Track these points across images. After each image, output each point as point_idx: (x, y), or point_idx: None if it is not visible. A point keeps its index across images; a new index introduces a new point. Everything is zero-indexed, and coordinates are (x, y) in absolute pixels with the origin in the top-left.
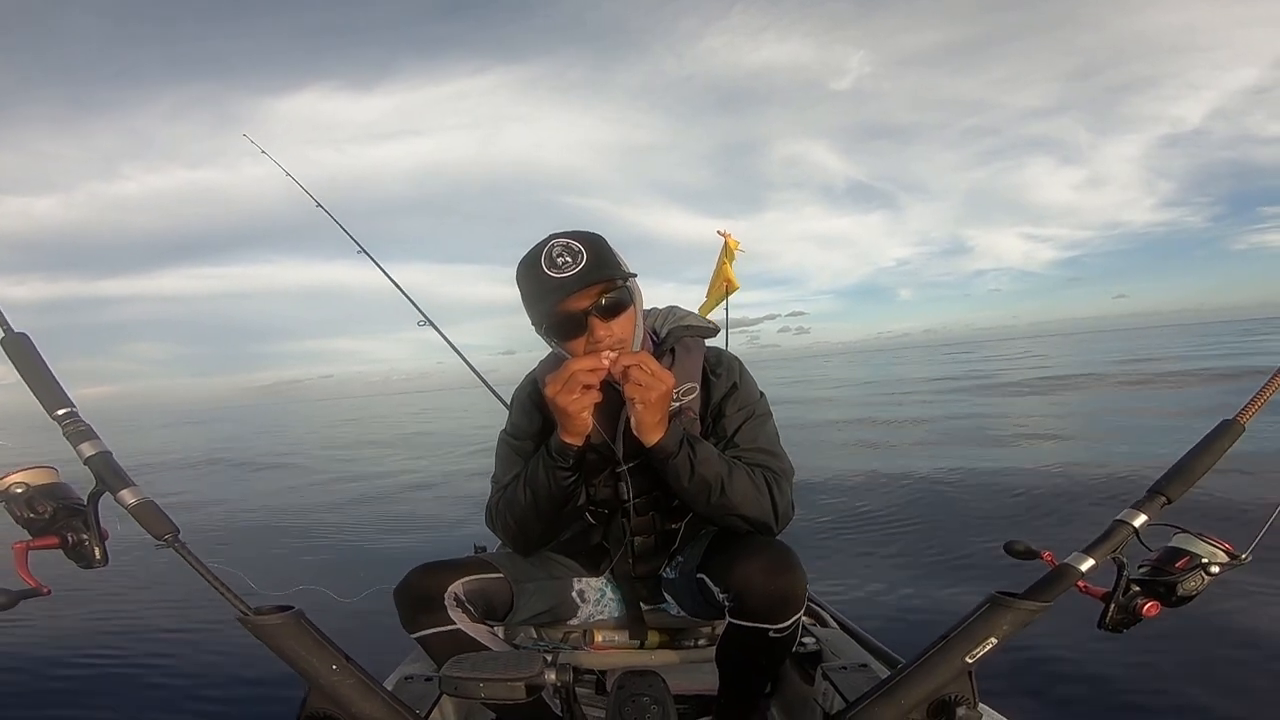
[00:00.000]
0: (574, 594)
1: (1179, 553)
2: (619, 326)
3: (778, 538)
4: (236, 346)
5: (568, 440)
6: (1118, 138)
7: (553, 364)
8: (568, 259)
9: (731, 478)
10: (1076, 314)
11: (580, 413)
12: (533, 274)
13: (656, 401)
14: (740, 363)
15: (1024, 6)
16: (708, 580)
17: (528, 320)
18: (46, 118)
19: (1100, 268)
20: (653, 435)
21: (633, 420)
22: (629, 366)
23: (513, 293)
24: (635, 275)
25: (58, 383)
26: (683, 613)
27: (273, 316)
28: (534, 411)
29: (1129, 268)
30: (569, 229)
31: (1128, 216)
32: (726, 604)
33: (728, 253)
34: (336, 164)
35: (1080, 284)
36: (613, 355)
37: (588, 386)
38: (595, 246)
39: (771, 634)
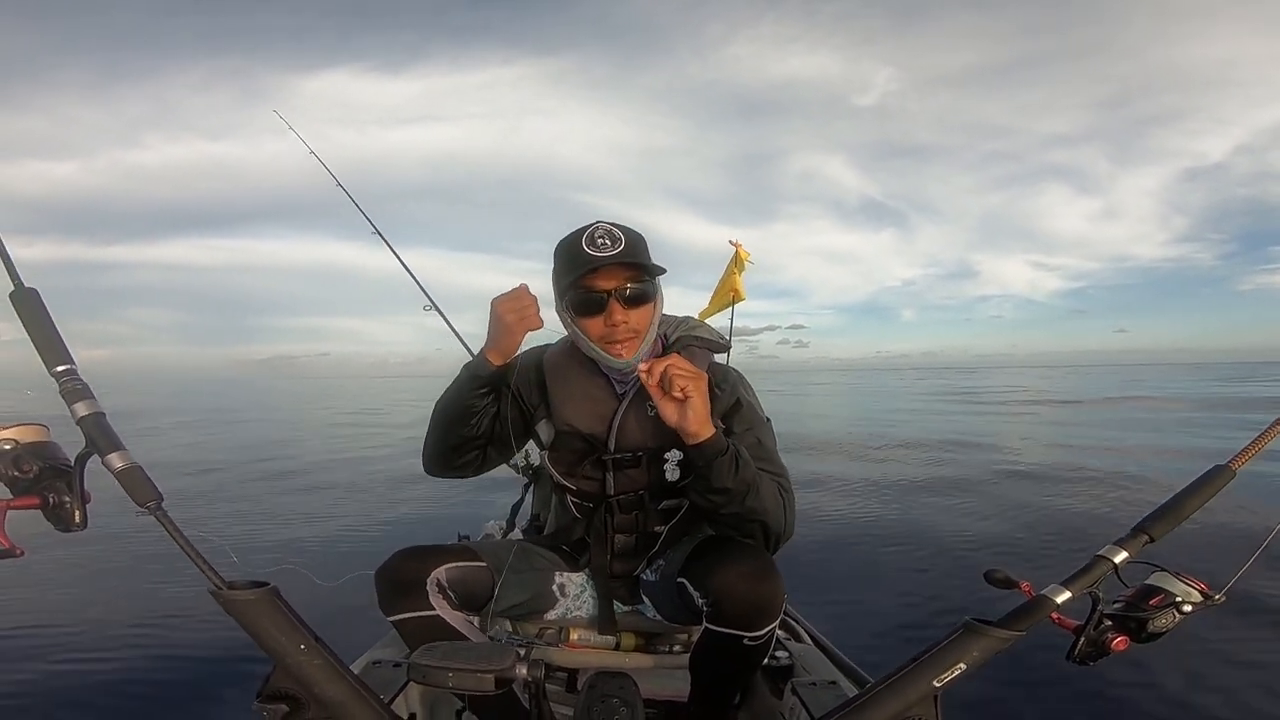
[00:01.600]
0: (554, 587)
1: (1154, 590)
2: (636, 317)
3: (758, 549)
4: (236, 318)
5: (492, 358)
6: (1138, 169)
7: (557, 353)
8: (607, 242)
9: (761, 480)
10: (1075, 347)
11: (520, 325)
12: (571, 248)
13: (706, 393)
14: (745, 380)
15: (1061, 32)
16: (688, 585)
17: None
18: (79, 83)
19: (1104, 301)
20: (708, 428)
21: (688, 416)
22: (668, 366)
23: (520, 284)
24: (664, 271)
25: (61, 340)
26: (659, 617)
27: (275, 291)
28: (530, 386)
29: (1133, 302)
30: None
31: (1137, 250)
32: (705, 609)
33: (738, 263)
34: (358, 145)
35: (1082, 316)
36: (643, 366)
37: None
38: (634, 239)
39: (746, 641)
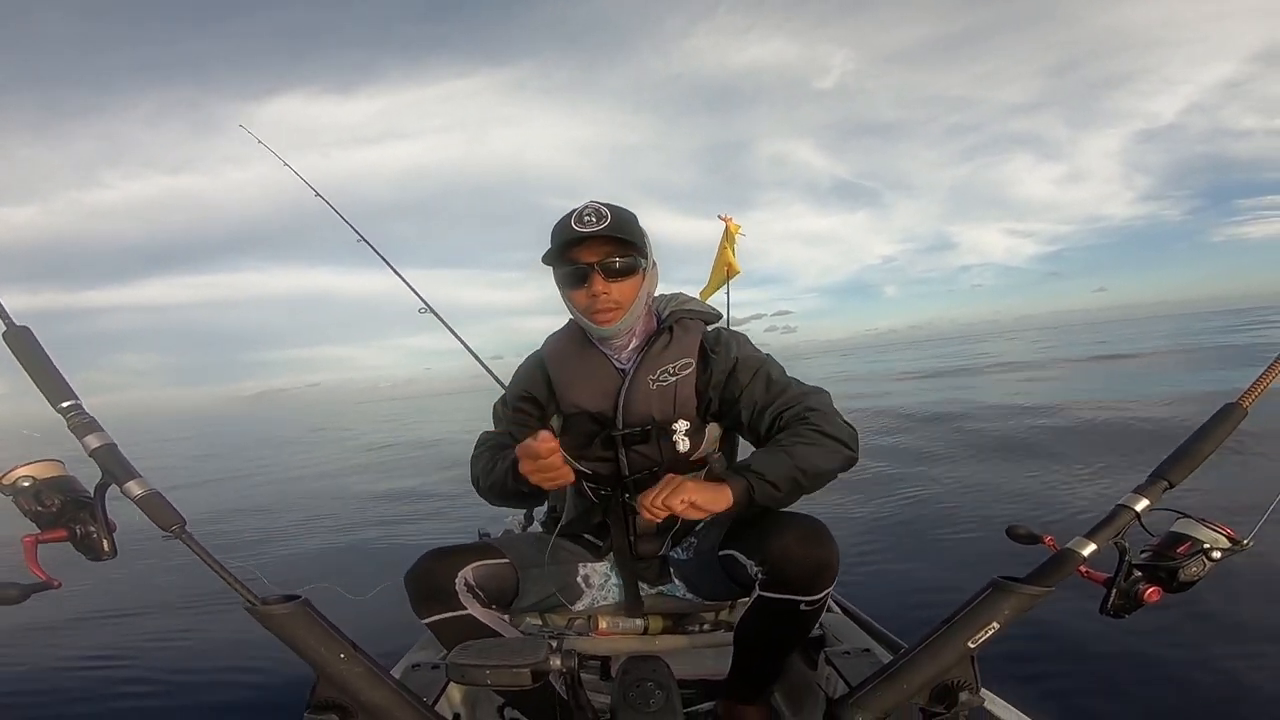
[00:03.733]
0: (579, 579)
1: (1181, 538)
2: (619, 290)
3: (808, 514)
4: (222, 355)
5: (530, 478)
6: (1096, 132)
7: (557, 340)
8: (593, 218)
9: (797, 457)
10: (1058, 308)
11: (554, 485)
12: (561, 225)
13: (695, 491)
14: (741, 335)
15: (1000, 2)
16: (738, 555)
17: (517, 324)
18: (21, 124)
19: (1081, 261)
20: (724, 500)
21: (714, 505)
22: (653, 503)
23: (502, 297)
24: (650, 249)
25: (61, 375)
26: (689, 596)
27: (258, 324)
28: (538, 381)
29: (1109, 261)
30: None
31: (1107, 210)
32: (759, 576)
33: (728, 237)
34: (322, 169)
35: (1061, 278)
36: (646, 513)
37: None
38: (621, 215)
39: (803, 606)
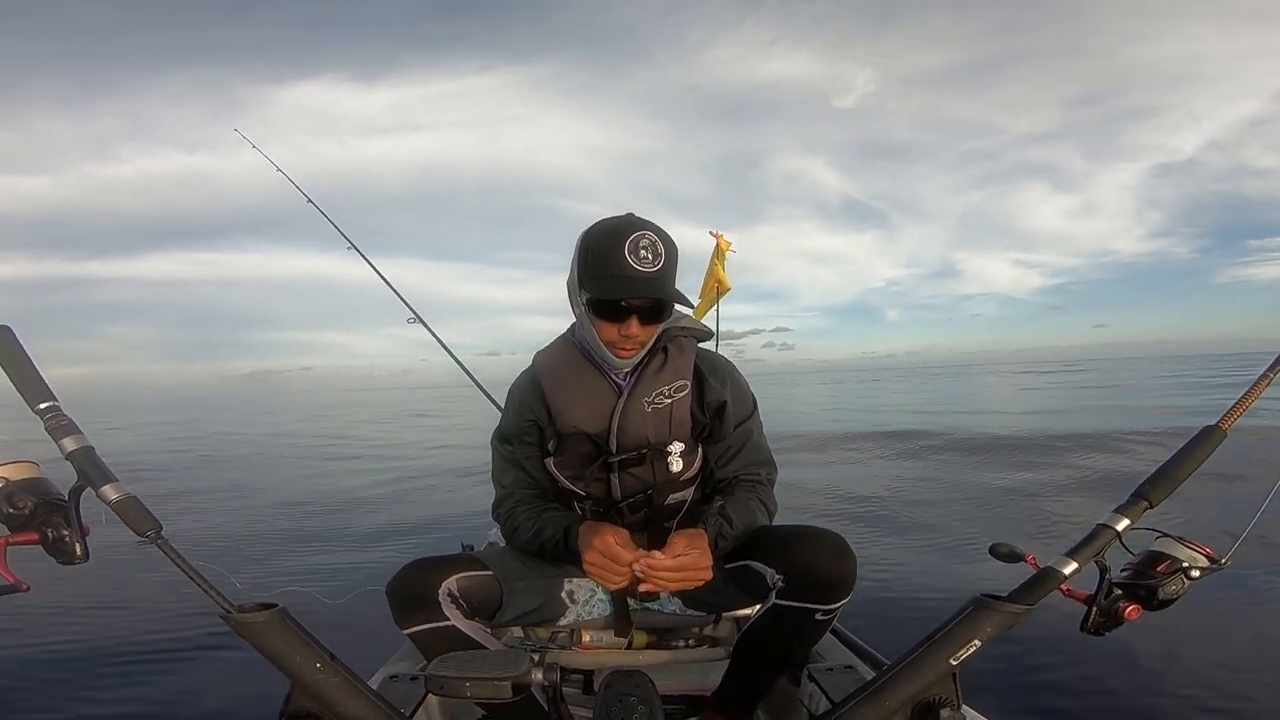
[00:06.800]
0: (563, 594)
1: (1160, 556)
2: (648, 331)
3: (827, 528)
4: (218, 333)
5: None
6: (1113, 166)
7: (551, 356)
8: (649, 257)
9: (741, 527)
10: (1056, 343)
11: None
12: (611, 251)
13: (702, 570)
14: (733, 367)
15: (1034, 31)
16: (755, 564)
17: (514, 322)
18: (49, 97)
19: (1085, 296)
20: (709, 554)
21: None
22: (657, 578)
23: (502, 294)
24: (689, 303)
25: (40, 376)
26: (676, 611)
27: (257, 305)
28: (535, 404)
29: (1112, 296)
30: (650, 220)
31: (1116, 245)
32: (779, 584)
33: (719, 254)
34: (337, 156)
35: (1062, 312)
36: (643, 580)
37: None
38: (673, 257)
39: (818, 616)
